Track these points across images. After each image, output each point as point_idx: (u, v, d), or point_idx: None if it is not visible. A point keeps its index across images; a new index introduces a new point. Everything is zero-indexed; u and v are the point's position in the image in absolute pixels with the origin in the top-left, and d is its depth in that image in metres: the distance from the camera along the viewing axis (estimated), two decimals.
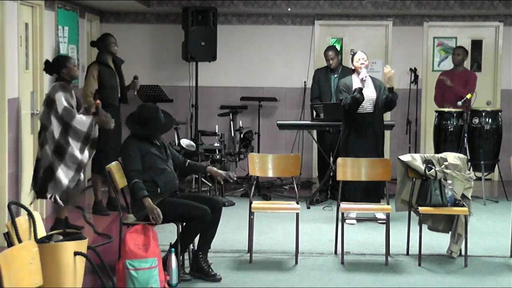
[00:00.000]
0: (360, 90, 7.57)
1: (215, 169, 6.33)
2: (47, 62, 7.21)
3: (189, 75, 10.62)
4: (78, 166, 6.90)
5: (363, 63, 7.68)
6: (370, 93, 7.70)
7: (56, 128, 6.82)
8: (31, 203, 7.06)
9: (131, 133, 6.06)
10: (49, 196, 6.85)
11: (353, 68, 7.82)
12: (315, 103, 9.25)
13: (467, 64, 10.18)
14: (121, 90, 8.46)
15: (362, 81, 7.63)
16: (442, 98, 9.87)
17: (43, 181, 6.85)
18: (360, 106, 7.66)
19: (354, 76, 7.80)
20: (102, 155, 7.89)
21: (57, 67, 7.09)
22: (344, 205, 6.65)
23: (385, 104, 7.74)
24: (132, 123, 6.07)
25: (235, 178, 6.34)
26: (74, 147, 6.85)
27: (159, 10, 10.61)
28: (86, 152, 6.96)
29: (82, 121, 6.90)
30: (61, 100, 6.85)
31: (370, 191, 7.51)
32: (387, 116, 9.78)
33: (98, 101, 7.30)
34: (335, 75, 9.31)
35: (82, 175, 6.99)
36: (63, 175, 6.83)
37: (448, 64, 10.70)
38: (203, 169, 6.45)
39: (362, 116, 7.71)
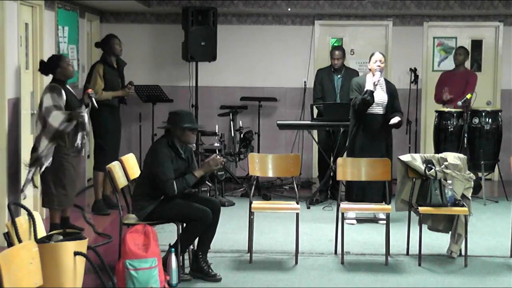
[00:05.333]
0: (371, 93, 7.53)
1: (203, 169, 6.04)
2: (41, 62, 7.13)
3: (189, 75, 10.61)
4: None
5: (379, 65, 7.62)
6: (381, 96, 7.66)
7: (36, 127, 6.83)
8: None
9: (163, 140, 5.97)
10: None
11: (369, 68, 7.77)
12: (317, 103, 9.23)
13: (467, 64, 10.16)
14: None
15: (374, 85, 7.59)
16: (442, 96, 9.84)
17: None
18: (370, 108, 7.63)
19: (368, 76, 7.74)
20: (102, 153, 7.92)
21: (52, 67, 6.95)
22: (344, 205, 6.65)
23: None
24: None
25: (222, 160, 6.07)
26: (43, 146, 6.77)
27: (159, 10, 10.60)
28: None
29: (56, 115, 6.70)
30: (45, 100, 6.76)
31: (376, 191, 7.47)
32: None
33: (90, 90, 7.27)
34: (339, 76, 9.29)
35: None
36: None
37: (448, 64, 10.69)
38: (204, 179, 6.25)
39: (371, 117, 7.68)
